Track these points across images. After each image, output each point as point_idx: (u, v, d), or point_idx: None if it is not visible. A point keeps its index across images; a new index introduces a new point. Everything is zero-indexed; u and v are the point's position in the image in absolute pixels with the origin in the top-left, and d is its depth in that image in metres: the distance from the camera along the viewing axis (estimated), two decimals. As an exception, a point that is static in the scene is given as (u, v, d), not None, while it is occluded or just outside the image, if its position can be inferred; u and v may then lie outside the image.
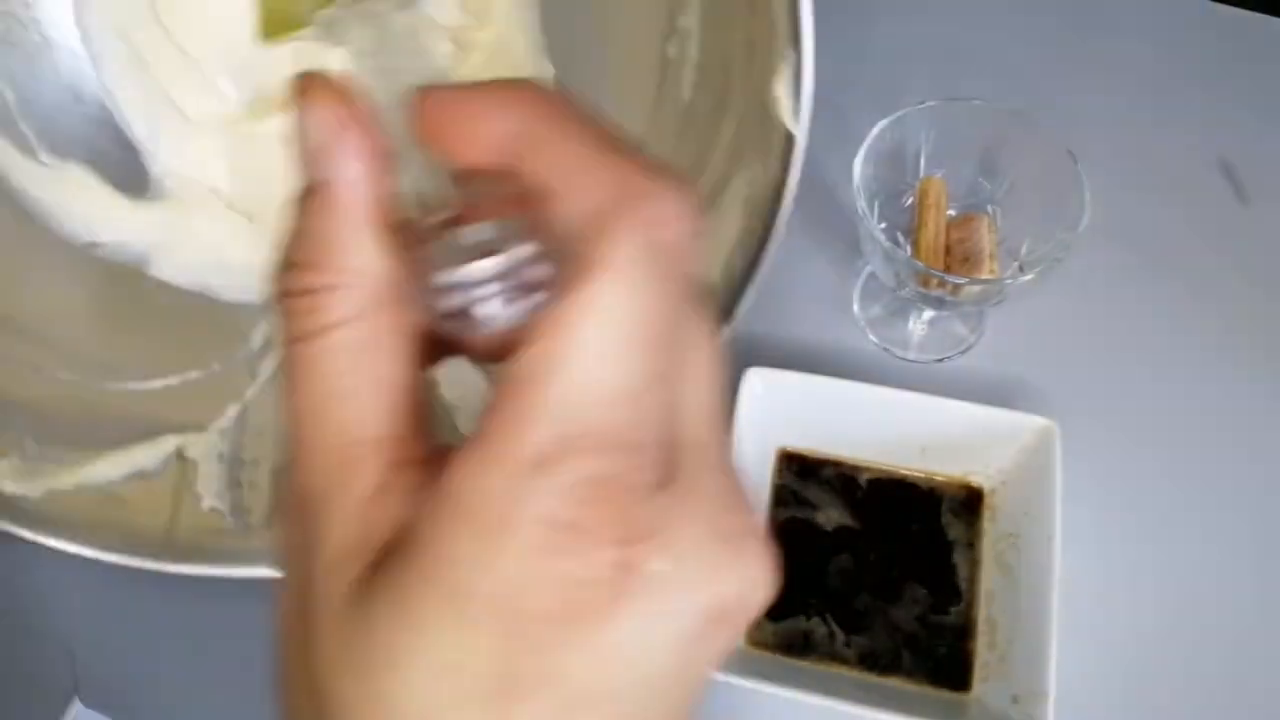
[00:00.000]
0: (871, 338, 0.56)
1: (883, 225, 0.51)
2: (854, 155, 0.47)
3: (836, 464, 0.51)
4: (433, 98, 0.17)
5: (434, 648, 0.15)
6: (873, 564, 0.49)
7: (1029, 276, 0.46)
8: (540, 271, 0.15)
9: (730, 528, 0.16)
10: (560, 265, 0.15)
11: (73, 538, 0.35)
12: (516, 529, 0.14)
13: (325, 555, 0.16)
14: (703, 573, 0.16)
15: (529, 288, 0.15)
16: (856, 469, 0.51)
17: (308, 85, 0.17)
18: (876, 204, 0.50)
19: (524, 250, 0.15)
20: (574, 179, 0.15)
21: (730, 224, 0.35)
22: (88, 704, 0.46)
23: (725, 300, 0.34)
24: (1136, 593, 0.49)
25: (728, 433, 0.17)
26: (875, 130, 0.48)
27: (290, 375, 0.16)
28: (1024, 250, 0.50)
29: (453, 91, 0.17)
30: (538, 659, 0.15)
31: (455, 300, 0.15)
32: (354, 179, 0.16)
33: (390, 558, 0.16)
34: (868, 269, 0.56)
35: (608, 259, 0.15)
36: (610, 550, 0.15)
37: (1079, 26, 0.62)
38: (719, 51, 0.36)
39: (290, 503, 0.17)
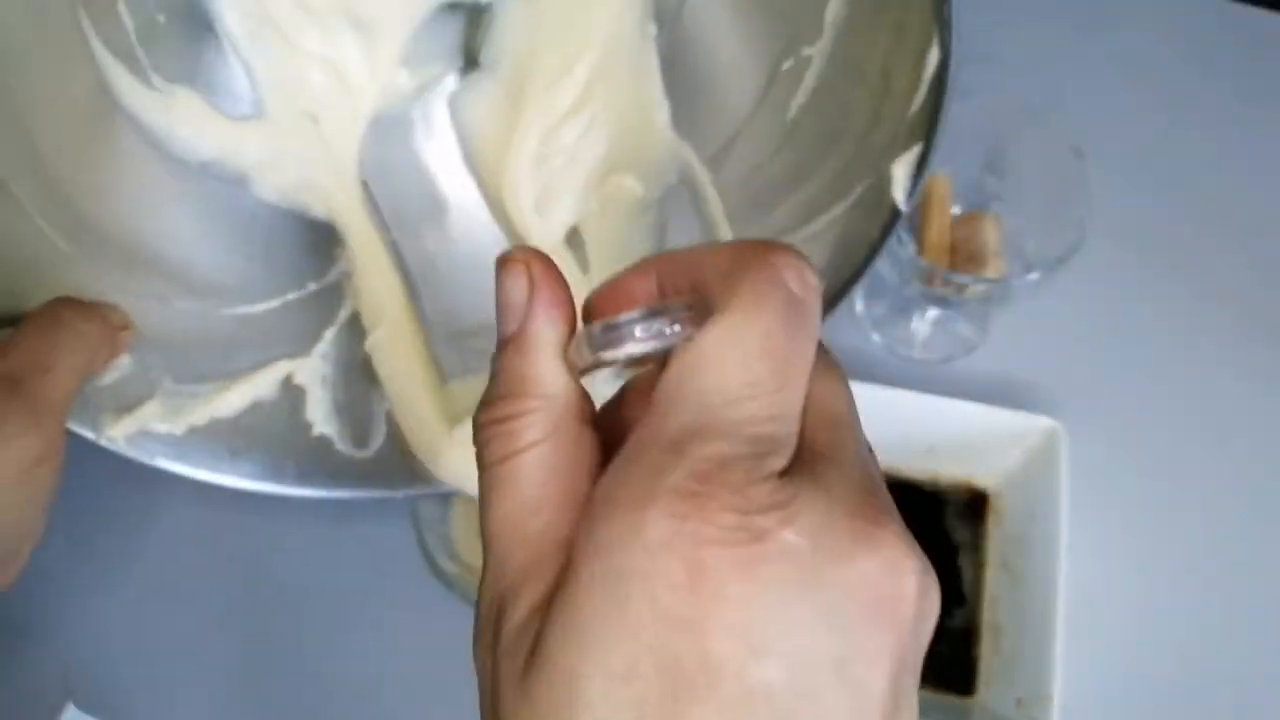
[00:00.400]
0: (875, 337, 0.55)
1: (886, 223, 0.50)
2: (857, 152, 0.47)
3: (839, 465, 0.50)
4: (595, 293, 0.21)
5: (603, 655, 0.16)
6: (876, 567, 0.48)
7: (1034, 275, 0.45)
8: (683, 316, 0.18)
9: (864, 510, 0.17)
10: (700, 314, 0.18)
11: (217, 469, 0.38)
12: (654, 499, 0.16)
13: (505, 641, 0.18)
14: (840, 545, 0.16)
15: (674, 325, 0.18)
16: (859, 470, 0.50)
17: (508, 255, 0.20)
18: (880, 202, 0.50)
19: (669, 304, 0.19)
20: (706, 265, 0.19)
21: (817, 252, 0.36)
22: (81, 707, 0.46)
23: None
24: (1142, 596, 0.49)
25: (858, 444, 0.20)
26: (879, 127, 0.47)
27: (490, 492, 0.19)
28: (1030, 249, 0.50)
29: (605, 284, 0.21)
30: (693, 645, 0.15)
31: (614, 340, 0.19)
32: (541, 327, 0.20)
33: (555, 596, 0.17)
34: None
35: (736, 294, 0.18)
36: (729, 515, 0.16)
37: (1087, 22, 0.62)
38: (838, 96, 0.37)
39: (485, 610, 0.19)
